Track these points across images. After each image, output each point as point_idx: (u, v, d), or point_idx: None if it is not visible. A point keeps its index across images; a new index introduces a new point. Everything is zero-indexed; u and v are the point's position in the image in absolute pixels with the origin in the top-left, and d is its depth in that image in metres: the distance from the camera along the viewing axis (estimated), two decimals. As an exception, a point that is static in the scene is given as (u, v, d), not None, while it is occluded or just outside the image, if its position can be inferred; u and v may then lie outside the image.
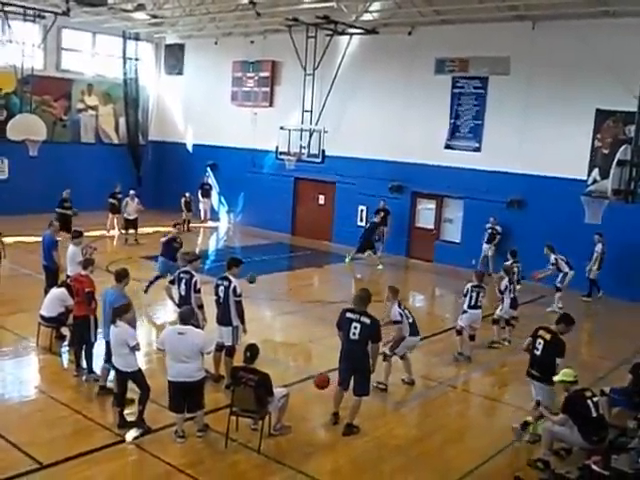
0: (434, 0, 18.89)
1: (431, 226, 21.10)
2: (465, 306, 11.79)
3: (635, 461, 7.28)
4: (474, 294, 11.70)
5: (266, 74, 24.26)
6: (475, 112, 19.53)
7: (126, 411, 8.41)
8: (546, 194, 17.92)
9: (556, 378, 8.13)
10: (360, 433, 8.65)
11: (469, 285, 11.79)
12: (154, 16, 23.05)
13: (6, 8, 21.33)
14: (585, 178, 17.00)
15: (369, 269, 19.44)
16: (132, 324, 8.65)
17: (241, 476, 7.64)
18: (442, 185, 20.06)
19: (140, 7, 21.59)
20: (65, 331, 11.16)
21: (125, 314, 8.35)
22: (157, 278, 14.19)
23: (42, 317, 11.05)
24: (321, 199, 23.73)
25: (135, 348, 8.23)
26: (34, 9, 22.06)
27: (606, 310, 15.92)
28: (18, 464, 7.36)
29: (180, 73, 27.59)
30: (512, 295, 12.85)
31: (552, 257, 15.57)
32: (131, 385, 8.41)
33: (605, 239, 16.16)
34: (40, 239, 13.34)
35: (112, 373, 8.89)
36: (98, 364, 9.69)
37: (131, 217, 20.80)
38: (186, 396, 8.06)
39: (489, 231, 18.89)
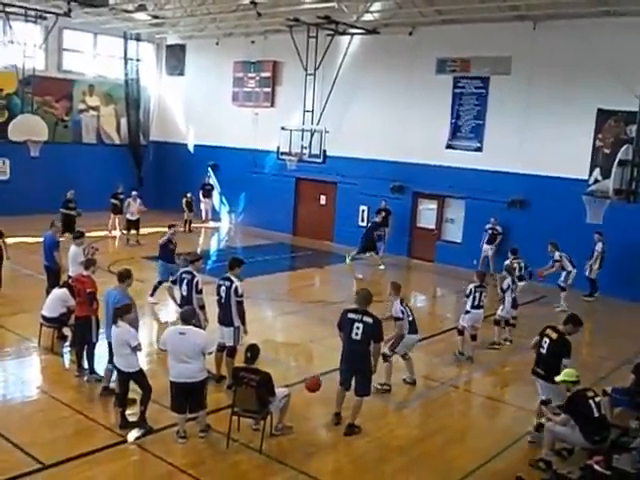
0: (435, 0, 18.89)
1: (432, 226, 21.09)
2: (468, 306, 11.78)
3: (637, 461, 7.28)
4: (477, 294, 11.70)
5: (267, 74, 24.28)
6: (476, 112, 19.52)
7: (128, 411, 8.42)
8: (547, 194, 17.91)
9: (558, 378, 8.12)
10: (362, 433, 8.65)
11: (472, 285, 11.78)
12: (155, 17, 23.09)
13: (7, 9, 21.36)
14: (586, 178, 16.99)
15: (370, 269, 19.43)
16: (134, 324, 8.66)
17: (243, 476, 7.65)
18: (443, 185, 20.05)
19: (141, 8, 21.63)
20: (67, 331, 11.18)
21: (126, 314, 8.36)
22: (160, 283, 14.16)
23: (44, 317, 11.06)
24: (322, 199, 23.73)
25: (136, 348, 8.24)
26: (35, 10, 22.07)
27: (607, 310, 15.90)
28: (20, 464, 7.37)
29: (181, 73, 27.60)
30: (513, 295, 12.86)
31: (556, 254, 15.56)
32: (133, 385, 8.42)
33: (605, 238, 16.14)
34: (41, 240, 13.35)
35: (115, 374, 8.89)
36: (101, 365, 9.70)
37: (133, 218, 20.78)
38: (188, 396, 8.06)
39: (490, 232, 18.88)
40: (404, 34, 20.52)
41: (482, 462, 8.13)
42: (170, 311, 13.57)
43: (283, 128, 21.55)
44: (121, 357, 8.28)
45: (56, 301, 10.98)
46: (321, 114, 21.55)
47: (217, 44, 25.71)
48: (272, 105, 24.34)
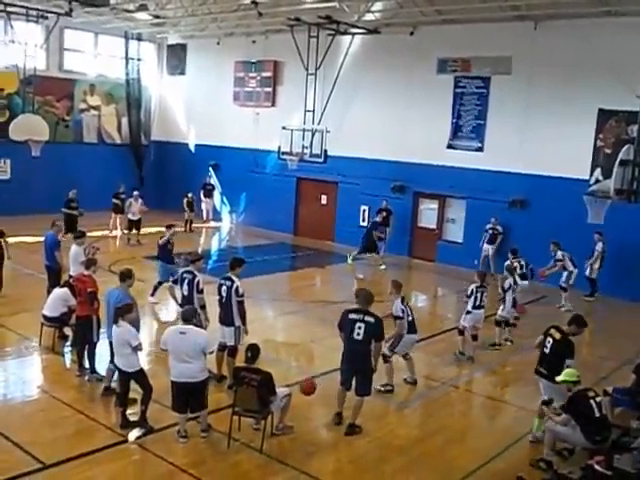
0: (436, 0, 18.88)
1: (433, 226, 21.09)
2: (469, 307, 11.77)
3: (638, 461, 7.27)
4: (479, 294, 11.70)
5: (268, 74, 24.27)
6: (477, 112, 19.51)
7: (129, 411, 8.43)
8: (548, 194, 17.90)
9: (559, 378, 8.12)
10: (362, 433, 8.65)
11: (473, 286, 11.76)
12: (156, 16, 23.09)
13: (9, 9, 21.38)
14: (587, 178, 16.99)
15: (371, 269, 19.43)
16: (135, 324, 8.67)
17: (243, 476, 7.65)
18: (444, 185, 20.05)
19: (142, 7, 21.63)
20: (68, 331, 11.19)
21: (127, 314, 8.36)
22: (160, 283, 14.19)
23: (45, 317, 11.07)
24: (323, 199, 23.73)
25: (137, 348, 8.25)
26: (37, 9, 22.10)
27: (607, 310, 15.88)
28: (20, 464, 7.37)
29: (182, 73, 27.61)
30: (513, 295, 12.87)
31: (559, 253, 15.56)
32: (134, 385, 8.43)
33: (605, 238, 16.13)
34: (42, 239, 13.36)
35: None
36: (102, 364, 9.70)
37: (135, 218, 20.77)
38: (189, 396, 8.06)
39: (490, 231, 18.87)
40: (405, 34, 20.51)
41: (483, 462, 8.13)
42: (171, 311, 13.60)
43: (284, 128, 21.55)
44: (122, 357, 8.29)
45: (57, 301, 10.99)
46: (322, 114, 21.55)
47: (218, 44, 25.71)
48: (273, 105, 24.34)
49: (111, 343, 8.69)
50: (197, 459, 7.77)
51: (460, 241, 20.39)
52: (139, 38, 26.74)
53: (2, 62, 23.12)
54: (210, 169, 26.30)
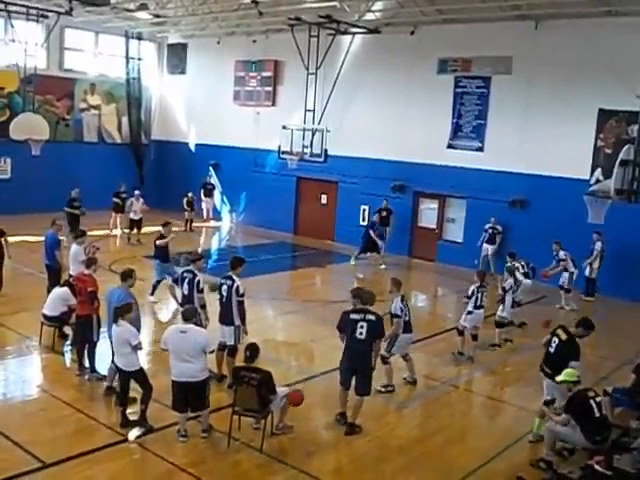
0: (436, 0, 18.89)
1: (433, 226, 21.08)
2: (470, 307, 11.76)
3: (638, 461, 7.27)
4: (479, 295, 11.69)
5: (268, 73, 24.27)
6: (478, 112, 19.51)
7: (128, 410, 8.43)
8: (549, 194, 17.90)
9: (559, 378, 8.13)
10: (362, 433, 8.65)
11: (474, 287, 11.74)
12: (157, 15, 23.08)
13: (9, 8, 21.39)
14: (588, 178, 16.99)
15: (372, 269, 19.42)
16: (136, 323, 8.67)
17: (243, 475, 7.65)
18: (444, 185, 20.04)
19: (143, 7, 21.62)
20: (68, 330, 11.19)
21: (127, 313, 8.36)
22: (158, 282, 14.22)
23: (45, 316, 11.07)
24: (323, 199, 23.72)
25: (137, 347, 8.25)
26: (37, 9, 22.10)
27: (607, 310, 15.87)
28: (20, 463, 7.38)
29: (183, 72, 27.61)
30: (513, 295, 12.87)
31: (561, 253, 15.56)
32: (134, 384, 8.43)
33: (605, 238, 16.12)
34: (42, 238, 13.36)
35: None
36: (102, 364, 9.70)
37: (136, 217, 20.73)
38: (189, 396, 8.05)
39: (490, 231, 18.86)
40: (405, 34, 20.51)
41: (483, 462, 8.14)
42: (171, 310, 13.60)
43: (284, 127, 21.55)
44: (122, 356, 8.30)
45: (57, 300, 10.99)
46: (322, 113, 21.55)
47: (218, 43, 25.70)
48: (273, 104, 24.34)
49: (112, 342, 8.69)
50: (197, 458, 7.77)
51: (460, 241, 20.39)
52: (139, 37, 26.73)
53: (2, 61, 23.10)
54: (210, 168, 26.29)
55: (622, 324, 14.97)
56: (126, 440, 8.07)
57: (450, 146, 20.09)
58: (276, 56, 23.85)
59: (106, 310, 9.24)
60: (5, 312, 12.78)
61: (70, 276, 11.77)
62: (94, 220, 20.11)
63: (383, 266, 19.33)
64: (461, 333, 11.88)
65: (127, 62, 26.72)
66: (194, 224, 23.79)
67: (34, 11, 22.12)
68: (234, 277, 9.68)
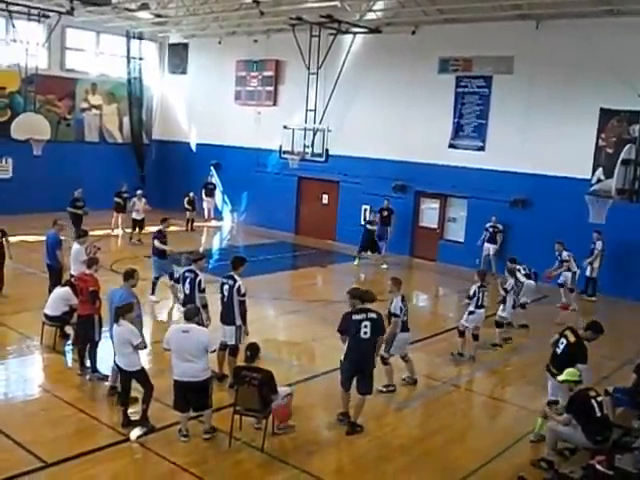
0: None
1: (435, 225, 21.08)
2: (472, 307, 11.74)
3: (639, 461, 7.27)
4: (481, 294, 11.68)
5: (270, 73, 24.28)
6: (479, 111, 19.50)
7: (130, 410, 8.43)
8: (550, 193, 17.89)
9: (560, 378, 8.13)
10: (363, 432, 8.66)
11: (475, 286, 11.71)
12: (158, 15, 23.09)
13: (10, 7, 21.40)
14: (589, 177, 16.93)
15: (373, 268, 19.43)
16: (137, 323, 8.67)
17: (245, 475, 7.66)
18: (446, 184, 20.04)
19: (144, 6, 21.62)
20: (69, 330, 11.18)
21: (128, 313, 8.37)
22: (157, 279, 14.26)
23: (46, 316, 11.07)
24: (325, 198, 23.72)
25: (138, 347, 8.26)
26: (38, 8, 22.10)
27: (608, 309, 15.86)
28: (22, 463, 7.38)
29: (184, 72, 27.62)
30: (514, 296, 12.86)
31: (564, 254, 15.54)
32: (135, 384, 8.44)
33: (606, 237, 16.11)
34: (44, 238, 13.37)
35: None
36: (103, 363, 9.70)
37: (139, 217, 20.70)
38: (192, 396, 8.06)
39: (490, 230, 18.85)
40: (407, 33, 20.51)
41: (484, 462, 8.13)
42: (172, 309, 13.61)
43: (285, 127, 21.55)
44: (123, 356, 8.30)
45: (58, 300, 10.99)
46: (323, 113, 21.55)
47: (220, 43, 25.71)
48: (274, 104, 24.34)
49: (113, 342, 8.70)
50: (198, 458, 7.77)
51: (461, 240, 20.38)
52: (141, 37, 26.73)
53: (4, 61, 23.12)
54: (211, 168, 26.30)
55: (623, 324, 14.96)
56: (128, 440, 8.07)
57: (451, 146, 20.09)
58: (277, 56, 23.86)
59: (108, 310, 9.25)
60: (6, 312, 12.80)
61: (71, 276, 11.78)
62: (95, 220, 20.10)
63: (384, 266, 19.34)
64: (462, 334, 11.85)
65: (128, 62, 26.71)
66: (195, 224, 23.81)
67: (35, 11, 22.12)
68: (235, 277, 9.68)
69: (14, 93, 23.73)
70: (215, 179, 26.27)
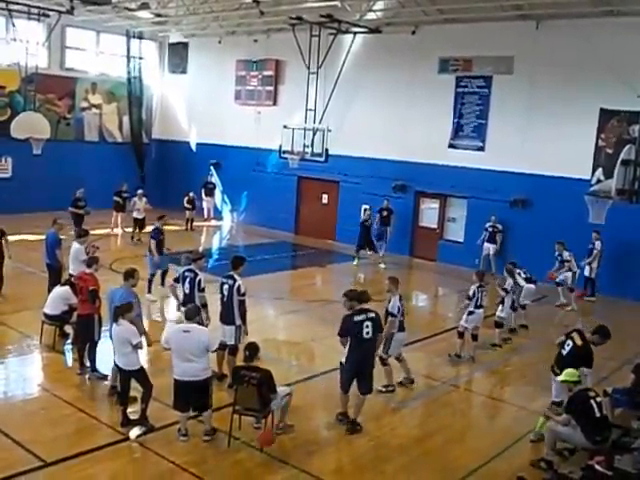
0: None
1: (434, 225, 21.08)
2: (472, 307, 11.74)
3: (638, 461, 7.28)
4: (480, 295, 11.68)
5: (270, 73, 24.28)
6: (479, 111, 19.50)
7: (129, 409, 8.44)
8: (550, 194, 17.89)
9: (560, 378, 8.13)
10: (363, 432, 8.66)
11: (474, 287, 11.71)
12: (158, 15, 23.08)
13: (10, 7, 21.38)
14: (589, 178, 16.96)
15: (372, 268, 19.43)
16: (137, 322, 8.67)
17: (244, 475, 7.65)
18: (446, 184, 20.05)
19: (144, 6, 21.61)
20: (68, 329, 11.18)
21: (127, 313, 8.37)
22: (152, 276, 14.31)
23: (45, 315, 11.07)
24: (324, 198, 23.72)
25: (138, 346, 8.26)
26: (38, 7, 22.08)
27: (608, 310, 15.85)
28: (21, 462, 7.39)
29: (184, 72, 27.61)
30: (513, 296, 12.86)
31: (565, 254, 15.57)
32: (134, 384, 8.44)
33: (605, 238, 16.10)
34: (43, 237, 13.36)
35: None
36: (103, 363, 9.69)
37: (140, 216, 20.67)
38: (192, 395, 8.06)
39: (490, 230, 18.86)
40: (407, 33, 20.51)
41: (483, 462, 8.14)
42: (171, 309, 13.61)
43: (285, 127, 21.55)
44: (122, 355, 8.30)
45: (57, 299, 10.99)
46: (323, 113, 21.55)
47: (220, 42, 25.70)
48: (274, 104, 24.33)
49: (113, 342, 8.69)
50: (198, 458, 7.78)
51: (461, 240, 20.38)
52: (141, 36, 26.72)
53: (4, 60, 23.09)
54: (211, 168, 26.30)
55: (623, 324, 14.91)
56: (127, 439, 8.07)
57: (451, 146, 20.09)
58: (277, 55, 23.85)
59: (108, 309, 9.25)
60: (6, 311, 12.80)
61: (70, 275, 11.78)
62: (95, 219, 20.10)
63: (382, 265, 19.35)
64: (461, 335, 11.82)
65: (128, 61, 26.69)
66: (195, 223, 23.80)
67: (35, 10, 22.10)
68: (235, 276, 9.68)
69: (14, 92, 23.71)
70: (215, 179, 26.26)
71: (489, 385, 11.19)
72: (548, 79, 17.97)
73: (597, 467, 7.28)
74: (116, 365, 8.59)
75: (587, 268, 16.44)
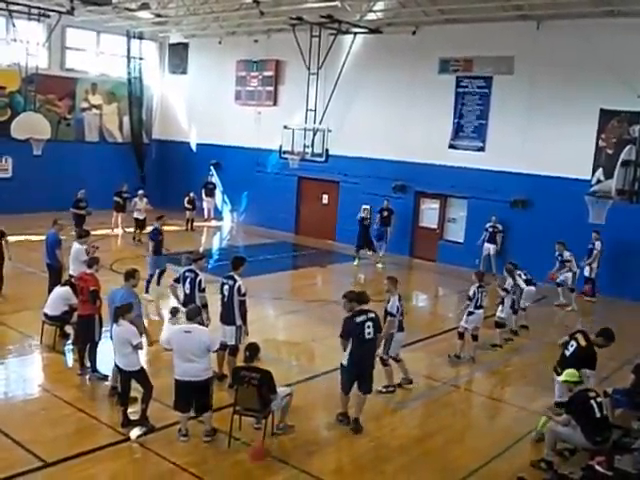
0: (438, 0, 18.88)
1: (434, 226, 21.08)
2: (472, 308, 11.73)
3: (638, 462, 7.27)
4: (480, 295, 11.68)
5: (270, 73, 24.28)
6: (479, 112, 19.50)
7: (130, 410, 8.43)
8: (550, 194, 17.89)
9: (560, 378, 8.13)
10: (363, 433, 8.66)
11: (474, 287, 11.70)
12: (158, 15, 23.08)
13: (11, 7, 21.38)
14: (589, 178, 16.97)
15: (372, 268, 19.43)
16: (137, 323, 8.67)
17: (244, 475, 7.65)
18: (446, 185, 20.04)
19: (144, 6, 21.61)
20: (69, 329, 11.18)
21: (127, 313, 8.37)
22: (151, 276, 14.32)
23: (46, 315, 11.07)
24: (325, 198, 23.72)
25: (138, 346, 8.26)
26: (39, 8, 22.08)
27: (608, 310, 15.86)
28: (21, 462, 7.38)
29: (184, 72, 27.62)
30: (513, 297, 12.86)
31: (566, 254, 15.57)
32: (135, 384, 8.44)
33: (605, 238, 16.09)
34: (43, 237, 13.37)
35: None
36: (104, 363, 9.69)
37: (141, 217, 20.65)
38: (193, 395, 8.06)
39: (490, 230, 18.86)
40: (407, 33, 20.51)
41: (483, 462, 8.14)
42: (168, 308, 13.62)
43: (286, 127, 21.55)
44: (122, 356, 8.30)
45: (58, 299, 10.99)
46: (324, 113, 21.55)
47: (220, 43, 25.71)
48: (275, 104, 24.34)
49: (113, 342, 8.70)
50: (198, 458, 7.78)
51: (461, 241, 20.38)
52: (141, 37, 26.72)
53: (4, 60, 23.10)
54: (211, 168, 26.30)
55: (623, 324, 14.88)
56: (127, 440, 8.07)
57: (451, 146, 20.09)
58: (277, 56, 23.86)
59: (108, 310, 9.25)
60: (6, 311, 12.80)
61: (70, 276, 11.78)
62: (95, 219, 20.11)
63: (380, 265, 19.35)
64: (461, 336, 11.81)
65: (128, 62, 26.70)
66: (195, 223, 23.80)
67: (35, 10, 22.10)
68: (236, 277, 9.69)
69: (14, 92, 23.71)
70: (215, 179, 26.26)
71: (489, 385, 11.20)
72: (548, 79, 17.97)
73: (597, 467, 7.28)
74: (116, 366, 8.59)
75: (587, 268, 16.44)
